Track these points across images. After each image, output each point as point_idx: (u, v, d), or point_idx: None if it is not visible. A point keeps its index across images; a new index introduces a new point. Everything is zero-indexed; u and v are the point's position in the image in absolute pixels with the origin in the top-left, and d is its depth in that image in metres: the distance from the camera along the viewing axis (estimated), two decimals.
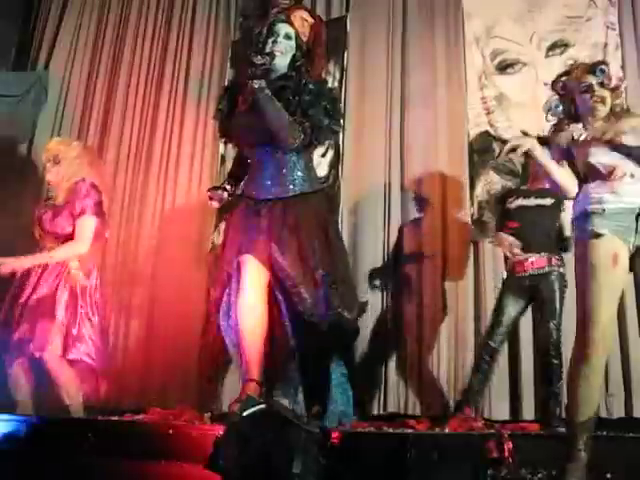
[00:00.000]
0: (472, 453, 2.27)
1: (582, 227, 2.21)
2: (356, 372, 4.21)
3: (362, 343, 4.23)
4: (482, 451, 2.18)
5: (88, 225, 3.48)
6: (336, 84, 4.81)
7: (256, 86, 2.65)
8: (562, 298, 3.47)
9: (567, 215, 3.34)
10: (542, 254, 3.53)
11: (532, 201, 3.66)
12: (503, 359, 3.95)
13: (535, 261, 3.52)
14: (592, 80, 2.35)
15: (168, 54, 5.50)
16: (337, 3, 5.08)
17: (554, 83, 2.53)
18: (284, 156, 2.81)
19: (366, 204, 4.54)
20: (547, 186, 3.53)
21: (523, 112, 4.35)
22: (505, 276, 3.68)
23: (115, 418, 3.44)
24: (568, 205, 3.04)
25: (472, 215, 4.27)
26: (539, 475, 2.12)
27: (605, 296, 2.09)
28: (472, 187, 4.30)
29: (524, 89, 4.39)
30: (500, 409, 3.83)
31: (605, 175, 2.22)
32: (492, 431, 2.54)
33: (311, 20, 2.89)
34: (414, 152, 4.53)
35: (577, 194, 2.34)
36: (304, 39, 2.87)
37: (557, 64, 4.33)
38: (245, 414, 2.26)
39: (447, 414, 3.53)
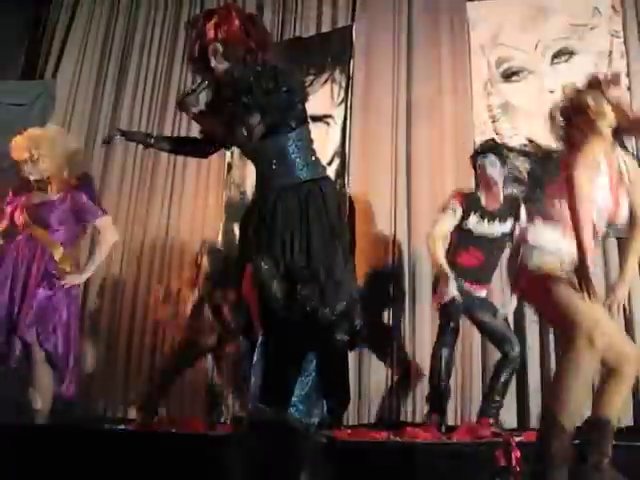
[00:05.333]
0: (480, 462, 2.27)
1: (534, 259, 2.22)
2: (362, 380, 4.25)
3: (367, 351, 4.24)
4: (490, 460, 2.18)
5: (109, 223, 3.59)
6: (342, 92, 4.84)
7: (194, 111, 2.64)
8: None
9: None
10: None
11: (496, 228, 3.56)
12: None
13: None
14: (587, 95, 2.26)
15: (175, 63, 5.53)
16: (343, 13, 5.11)
17: (554, 111, 2.44)
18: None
19: (373, 212, 4.55)
20: (501, 199, 3.57)
21: (529, 120, 4.36)
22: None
23: (122, 427, 3.46)
24: None
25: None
26: None
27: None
28: None
29: (529, 97, 4.40)
30: (508, 417, 3.82)
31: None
32: (500, 439, 2.53)
33: (215, 19, 2.77)
34: (420, 160, 4.54)
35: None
36: (226, 37, 2.74)
37: (562, 72, 4.36)
38: (252, 423, 2.26)
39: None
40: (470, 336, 4.02)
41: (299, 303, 2.38)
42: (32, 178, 3.46)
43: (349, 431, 3.41)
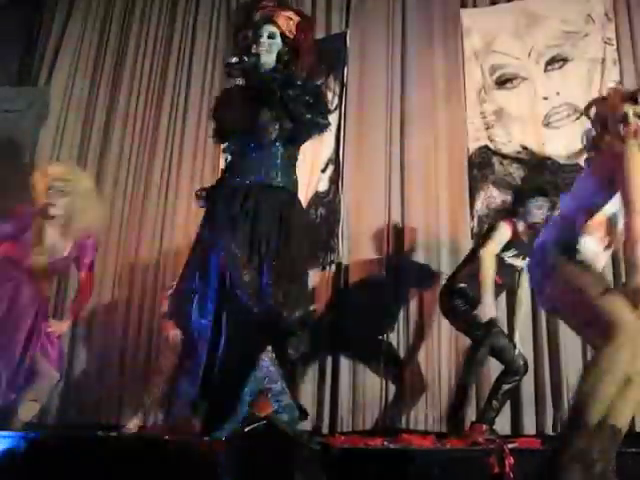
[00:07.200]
0: (474, 468, 2.26)
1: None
2: (357, 387, 4.24)
3: (362, 357, 4.23)
4: (484, 466, 2.17)
5: (90, 281, 3.58)
6: (336, 99, 4.85)
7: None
8: None
9: None
10: None
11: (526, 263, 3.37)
12: None
13: None
14: (628, 109, 2.16)
15: (169, 68, 5.54)
16: (337, 19, 5.13)
17: (587, 108, 2.32)
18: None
19: (366, 218, 4.54)
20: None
21: (522, 126, 4.38)
22: None
23: (115, 434, 3.43)
24: None
25: (472, 229, 4.27)
26: None
27: None
28: (472, 201, 4.31)
29: (523, 103, 4.42)
30: (501, 424, 3.81)
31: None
32: (493, 446, 2.52)
33: (297, 18, 2.84)
34: (414, 167, 4.55)
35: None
36: (290, 36, 2.84)
37: (556, 78, 4.38)
38: (246, 430, 2.25)
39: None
40: (463, 344, 4.02)
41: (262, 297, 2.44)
42: (52, 212, 3.30)
43: (343, 438, 3.40)
